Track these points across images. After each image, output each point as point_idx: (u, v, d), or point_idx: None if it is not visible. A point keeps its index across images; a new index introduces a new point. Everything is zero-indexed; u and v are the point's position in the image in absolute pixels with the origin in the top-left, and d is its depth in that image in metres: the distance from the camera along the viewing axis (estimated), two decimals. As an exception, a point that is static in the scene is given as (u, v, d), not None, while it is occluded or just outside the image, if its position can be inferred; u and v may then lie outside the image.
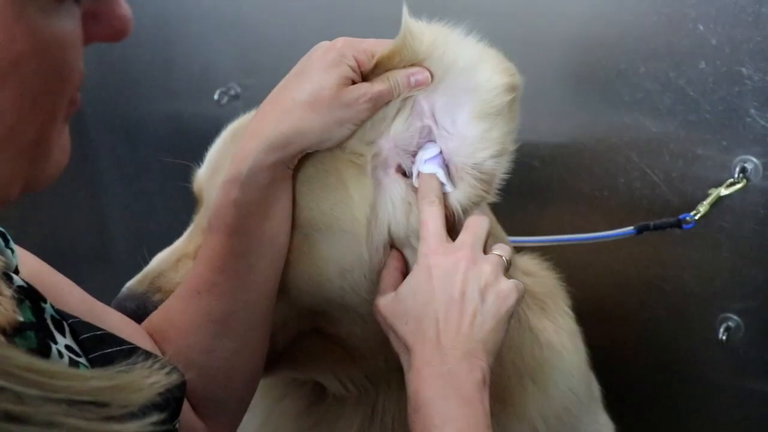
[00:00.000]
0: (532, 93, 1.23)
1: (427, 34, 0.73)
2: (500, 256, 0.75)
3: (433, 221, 0.73)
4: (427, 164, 0.75)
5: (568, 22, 1.18)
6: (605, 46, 1.16)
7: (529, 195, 1.28)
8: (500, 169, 0.74)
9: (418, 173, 0.75)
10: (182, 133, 1.64)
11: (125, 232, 1.87)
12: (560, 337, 0.92)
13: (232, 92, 1.55)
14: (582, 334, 0.99)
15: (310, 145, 0.72)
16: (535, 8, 1.20)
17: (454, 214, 0.75)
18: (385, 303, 0.73)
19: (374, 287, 0.75)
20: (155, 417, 0.43)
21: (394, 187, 0.75)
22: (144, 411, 0.43)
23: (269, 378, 0.93)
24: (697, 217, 1.09)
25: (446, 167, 0.75)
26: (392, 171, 0.76)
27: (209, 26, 1.57)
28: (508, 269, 0.76)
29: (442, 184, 0.74)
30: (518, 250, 1.03)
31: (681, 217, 1.09)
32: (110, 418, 0.41)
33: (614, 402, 1.04)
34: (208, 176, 0.83)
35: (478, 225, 0.75)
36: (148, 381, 0.45)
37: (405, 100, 0.73)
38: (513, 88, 0.72)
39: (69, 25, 0.43)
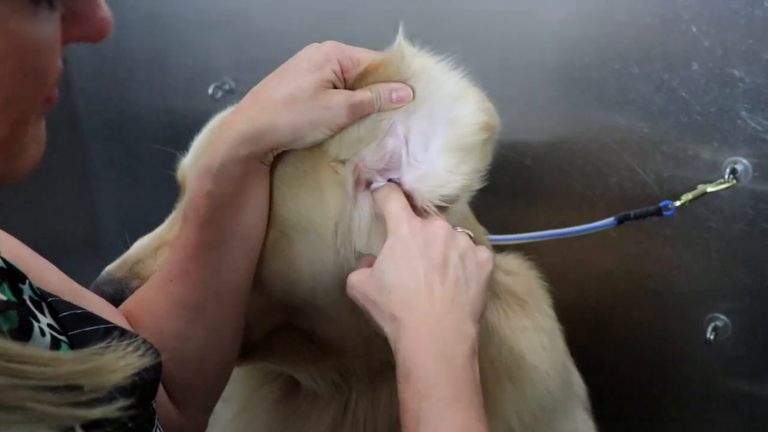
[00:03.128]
0: (525, 92, 1.25)
1: (417, 59, 0.73)
2: (469, 234, 0.75)
3: (397, 204, 0.73)
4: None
5: (561, 22, 1.19)
6: (599, 46, 1.16)
7: (521, 193, 1.28)
8: (462, 203, 0.75)
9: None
10: (176, 127, 1.64)
11: (116, 225, 1.87)
12: (539, 335, 0.93)
13: (227, 87, 1.56)
14: (568, 333, 1.00)
15: (283, 143, 0.72)
16: (529, 8, 1.21)
17: None
18: (360, 279, 0.72)
19: (344, 293, 0.74)
20: (122, 402, 0.43)
21: (365, 203, 0.76)
22: (114, 395, 0.44)
23: (245, 367, 0.94)
24: (677, 205, 1.08)
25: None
26: (363, 187, 0.76)
27: (204, 21, 1.57)
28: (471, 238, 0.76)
29: None
30: (501, 248, 1.04)
31: (662, 204, 1.09)
32: (79, 404, 0.42)
33: (599, 401, 1.04)
34: (192, 165, 0.84)
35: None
36: (120, 363, 0.46)
37: (382, 121, 0.73)
38: (490, 128, 0.72)
39: (45, 27, 0.43)
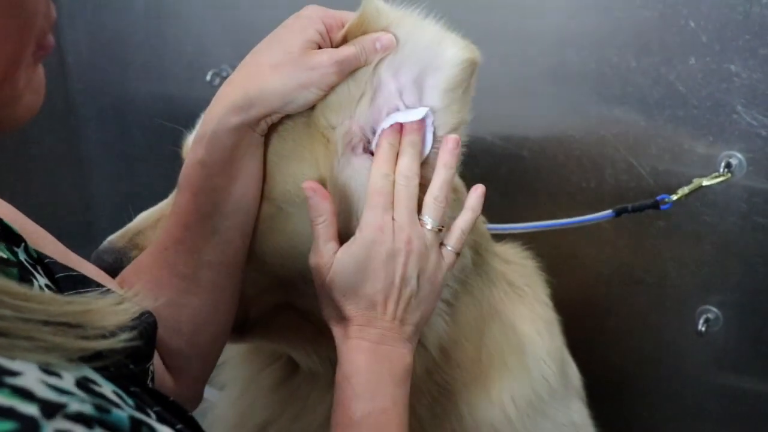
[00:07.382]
0: (523, 85, 1.25)
1: (392, 11, 0.74)
2: (433, 230, 0.74)
3: (379, 196, 0.72)
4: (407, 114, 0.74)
5: (560, 15, 1.19)
6: (597, 40, 1.17)
7: (518, 185, 1.29)
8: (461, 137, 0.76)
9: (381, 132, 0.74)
10: (173, 113, 1.64)
11: (111, 212, 1.87)
12: (536, 324, 0.94)
13: (225, 74, 1.55)
14: (562, 324, 1.01)
15: (274, 108, 0.72)
16: (527, 1, 1.21)
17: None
18: (319, 264, 0.72)
19: None
20: (125, 335, 0.45)
21: (363, 167, 0.75)
22: (116, 332, 0.46)
23: (244, 351, 0.95)
24: (674, 198, 1.10)
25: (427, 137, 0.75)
26: (360, 151, 0.76)
27: (202, 7, 1.56)
28: (440, 231, 0.74)
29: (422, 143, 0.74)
30: (500, 237, 1.04)
31: (659, 198, 1.10)
32: (85, 338, 0.43)
33: (592, 391, 1.05)
34: None
35: (406, 197, 0.73)
36: (120, 307, 0.47)
37: (372, 77, 0.73)
38: (474, 64, 0.73)
39: None
